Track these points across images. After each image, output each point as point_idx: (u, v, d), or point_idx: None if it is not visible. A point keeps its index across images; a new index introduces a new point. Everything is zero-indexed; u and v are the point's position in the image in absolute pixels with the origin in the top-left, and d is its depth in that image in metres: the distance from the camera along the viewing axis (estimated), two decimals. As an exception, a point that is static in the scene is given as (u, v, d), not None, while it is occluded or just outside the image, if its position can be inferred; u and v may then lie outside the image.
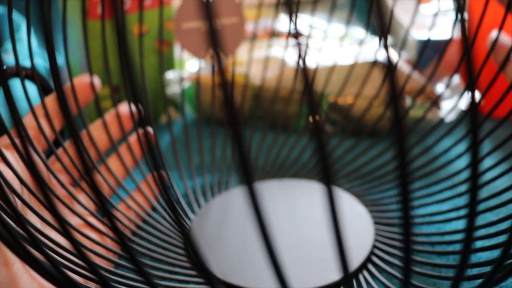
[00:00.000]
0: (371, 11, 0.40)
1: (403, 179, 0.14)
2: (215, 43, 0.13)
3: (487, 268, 0.25)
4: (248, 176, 0.13)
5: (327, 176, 0.13)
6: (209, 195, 0.35)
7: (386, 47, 0.13)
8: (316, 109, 0.13)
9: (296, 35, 0.14)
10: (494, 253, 0.28)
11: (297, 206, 0.33)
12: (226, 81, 0.13)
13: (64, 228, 0.17)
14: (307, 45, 0.42)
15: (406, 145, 0.14)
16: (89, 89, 0.33)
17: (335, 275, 0.27)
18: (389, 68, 0.13)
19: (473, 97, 0.15)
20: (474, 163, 0.15)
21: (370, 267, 0.29)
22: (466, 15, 0.45)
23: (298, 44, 0.14)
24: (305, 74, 0.13)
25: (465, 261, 0.17)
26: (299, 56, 0.13)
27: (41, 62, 0.49)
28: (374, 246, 0.30)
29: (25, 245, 0.19)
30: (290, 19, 0.14)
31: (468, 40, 0.15)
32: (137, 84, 0.14)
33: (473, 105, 0.14)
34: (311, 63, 0.41)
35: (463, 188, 0.33)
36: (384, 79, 0.39)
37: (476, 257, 0.29)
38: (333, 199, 0.14)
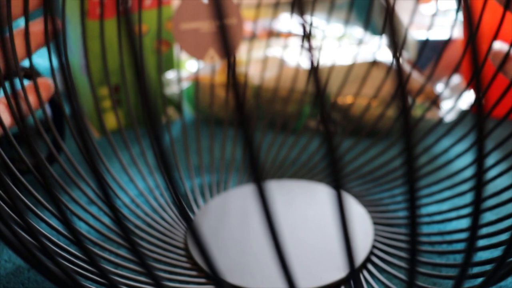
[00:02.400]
0: (370, 11, 0.40)
1: (409, 176, 0.14)
2: (226, 44, 0.12)
3: (486, 267, 0.25)
4: (257, 175, 0.13)
5: (337, 179, 0.13)
6: (207, 195, 0.35)
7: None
8: (327, 113, 0.13)
9: (308, 37, 0.14)
10: (494, 253, 0.28)
11: (296, 207, 0.33)
12: (237, 82, 0.13)
13: (75, 236, 0.16)
14: (319, 48, 0.41)
15: (412, 141, 0.14)
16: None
17: (334, 275, 0.27)
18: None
19: (479, 93, 0.14)
20: (480, 159, 0.15)
21: (370, 267, 0.29)
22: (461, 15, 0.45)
23: (310, 47, 0.14)
24: (316, 80, 0.13)
25: (469, 260, 0.17)
26: (311, 59, 0.13)
27: (41, 61, 0.49)
28: (374, 246, 0.30)
29: (37, 253, 0.19)
30: (301, 22, 0.14)
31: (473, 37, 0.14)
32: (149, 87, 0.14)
33: (478, 101, 0.14)
34: (321, 63, 0.41)
35: (463, 187, 0.32)
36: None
37: (476, 257, 0.29)
38: (342, 202, 0.14)
